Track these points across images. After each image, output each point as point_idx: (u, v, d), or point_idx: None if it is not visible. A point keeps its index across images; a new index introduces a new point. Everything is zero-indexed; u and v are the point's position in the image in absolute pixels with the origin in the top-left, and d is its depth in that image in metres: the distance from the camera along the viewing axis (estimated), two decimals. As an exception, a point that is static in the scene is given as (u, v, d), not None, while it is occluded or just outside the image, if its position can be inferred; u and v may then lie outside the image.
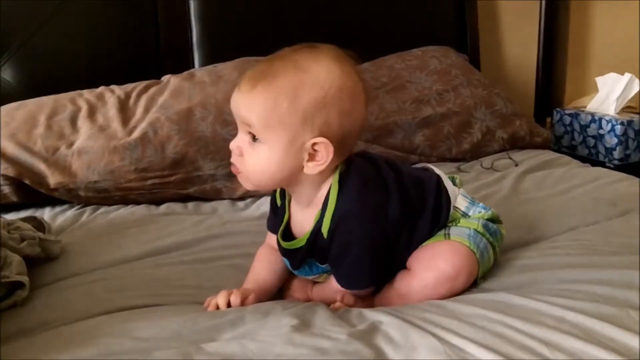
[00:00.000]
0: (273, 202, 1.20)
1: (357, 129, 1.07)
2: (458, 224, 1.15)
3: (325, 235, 1.06)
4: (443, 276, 1.07)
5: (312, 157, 1.03)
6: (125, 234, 1.50)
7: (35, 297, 1.15)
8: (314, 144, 1.01)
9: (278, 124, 1.00)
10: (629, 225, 1.36)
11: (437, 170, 1.22)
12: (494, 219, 1.18)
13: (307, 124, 1.01)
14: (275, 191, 1.19)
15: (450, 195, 1.17)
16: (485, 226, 1.14)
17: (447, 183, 1.19)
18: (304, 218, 1.11)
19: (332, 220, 1.05)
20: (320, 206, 1.07)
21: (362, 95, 1.06)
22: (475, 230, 1.12)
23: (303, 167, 1.04)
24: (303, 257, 1.12)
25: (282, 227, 1.15)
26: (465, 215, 1.17)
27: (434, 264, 1.08)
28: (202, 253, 1.37)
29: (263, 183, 1.08)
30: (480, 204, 1.20)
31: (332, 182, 1.06)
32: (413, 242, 1.13)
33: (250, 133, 1.03)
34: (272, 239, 1.20)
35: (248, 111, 1.01)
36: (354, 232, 1.05)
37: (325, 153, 1.02)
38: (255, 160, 1.04)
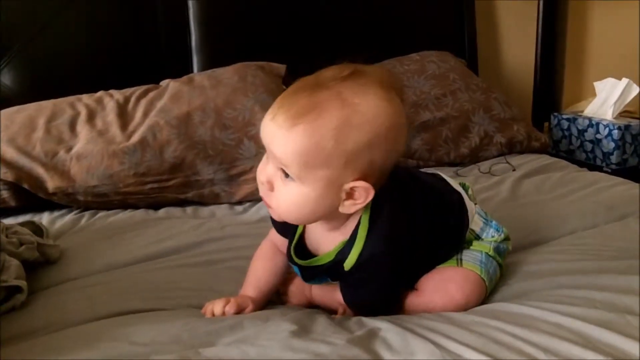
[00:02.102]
0: None
1: (398, 159, 1.01)
2: (470, 247, 1.14)
3: (346, 269, 1.02)
4: (452, 302, 1.06)
5: (349, 197, 0.96)
6: (123, 238, 1.49)
7: (34, 302, 1.15)
8: (353, 187, 0.94)
9: (319, 165, 0.92)
10: (627, 230, 1.36)
11: (455, 185, 1.19)
12: (504, 239, 1.18)
13: (349, 165, 0.92)
14: None
15: (469, 214, 1.15)
16: (496, 249, 1.14)
17: (467, 201, 1.17)
18: (323, 238, 1.06)
19: (358, 259, 1.00)
20: (344, 235, 1.02)
21: (406, 128, 0.99)
22: (487, 254, 1.12)
23: (338, 205, 0.97)
24: (316, 274, 1.08)
25: (295, 241, 1.09)
26: (478, 237, 1.16)
27: (446, 290, 1.07)
28: (201, 256, 1.37)
29: (294, 220, 1.01)
30: (493, 223, 1.18)
31: (362, 216, 1.00)
32: (427, 265, 1.12)
33: (282, 169, 0.94)
34: (276, 236, 1.16)
35: (285, 150, 0.92)
36: (378, 273, 1.03)
37: (365, 195, 0.95)
38: (288, 198, 0.95)
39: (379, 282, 1.04)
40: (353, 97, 0.92)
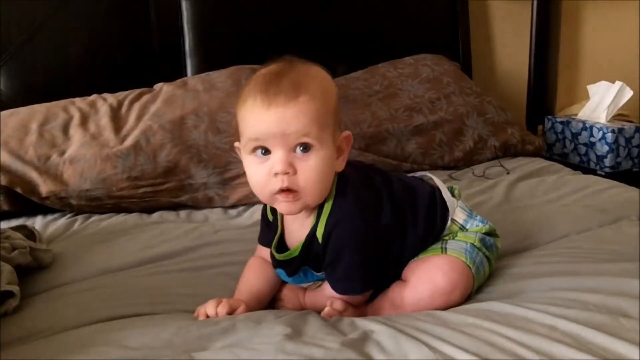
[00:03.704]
0: (265, 218, 1.20)
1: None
2: (455, 238, 1.15)
3: (320, 239, 1.07)
4: (439, 290, 1.07)
5: (339, 153, 1.07)
6: (116, 242, 1.49)
7: (26, 307, 1.15)
8: (345, 137, 1.08)
9: (327, 124, 1.03)
10: (620, 233, 1.37)
11: (437, 181, 1.22)
12: (491, 233, 1.19)
13: (334, 122, 1.06)
14: (265, 207, 1.18)
15: (449, 206, 1.17)
16: (482, 240, 1.15)
17: (446, 194, 1.19)
18: (300, 228, 1.11)
19: (326, 224, 1.06)
20: (315, 213, 1.08)
21: None
22: (472, 244, 1.13)
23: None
24: (298, 265, 1.12)
25: (275, 240, 1.14)
26: (463, 228, 1.17)
27: (430, 277, 1.08)
28: (195, 261, 1.36)
29: (320, 192, 1.05)
30: (478, 217, 1.20)
31: (329, 191, 1.07)
32: (405, 252, 1.13)
33: (300, 144, 1.00)
34: (262, 251, 1.20)
35: (303, 119, 0.99)
36: (347, 236, 1.05)
37: (347, 145, 1.09)
38: (315, 168, 1.01)
39: (353, 248, 1.06)
40: (313, 69, 1.07)
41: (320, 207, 1.07)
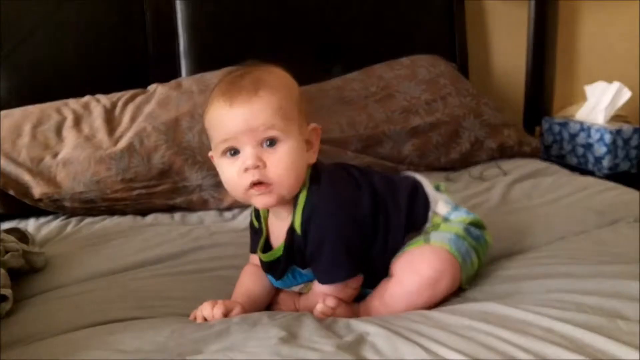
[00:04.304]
0: (252, 226, 1.22)
1: None
2: (439, 229, 1.15)
3: (299, 231, 1.08)
4: (425, 281, 1.07)
5: (309, 147, 1.10)
6: (110, 245, 1.49)
7: (19, 310, 1.15)
8: (312, 130, 1.11)
9: (291, 116, 1.05)
10: (618, 235, 1.36)
11: (419, 177, 1.23)
12: (476, 224, 1.18)
13: (301, 114, 1.09)
14: (251, 215, 1.21)
15: (430, 199, 1.18)
16: (466, 230, 1.14)
17: (428, 188, 1.20)
18: (281, 228, 1.12)
19: (302, 214, 1.07)
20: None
21: None
22: (455, 234, 1.12)
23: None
24: (284, 265, 1.13)
25: (261, 244, 1.16)
26: (446, 220, 1.17)
27: (415, 268, 1.08)
28: (189, 265, 1.36)
29: (293, 183, 1.07)
30: (464, 209, 1.19)
31: (303, 184, 1.10)
32: (389, 244, 1.13)
33: (267, 139, 1.04)
34: (255, 259, 1.21)
35: (266, 112, 1.03)
36: (325, 224, 1.07)
37: (316, 138, 1.12)
38: (282, 159, 1.04)
39: (332, 236, 1.07)
40: (272, 68, 1.10)
41: (295, 199, 1.09)
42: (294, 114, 1.07)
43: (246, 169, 1.04)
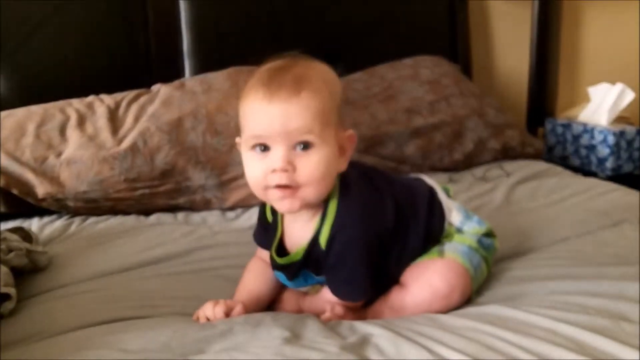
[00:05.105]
0: (262, 218, 1.18)
1: None
2: (452, 240, 1.14)
3: (322, 246, 1.05)
4: (437, 294, 1.06)
5: (341, 153, 1.05)
6: (114, 244, 1.49)
7: (23, 309, 1.15)
8: (349, 137, 1.06)
9: (329, 121, 1.01)
10: (621, 236, 1.36)
11: (430, 182, 1.21)
12: (488, 233, 1.18)
13: (339, 119, 1.04)
14: (264, 206, 1.17)
15: (445, 209, 1.17)
16: (479, 242, 1.14)
17: (441, 196, 1.18)
18: (300, 230, 1.09)
19: (331, 230, 1.04)
20: (318, 217, 1.06)
21: None
22: (469, 246, 1.12)
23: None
24: (298, 269, 1.10)
25: (275, 244, 1.13)
26: (459, 230, 1.16)
27: (428, 281, 1.07)
28: (192, 264, 1.36)
29: (321, 190, 1.02)
30: (475, 218, 1.19)
31: (331, 196, 1.05)
32: (404, 255, 1.12)
33: (301, 142, 0.99)
34: (262, 253, 1.19)
35: (305, 116, 0.98)
36: (352, 242, 1.04)
37: (351, 145, 1.07)
38: (314, 165, 0.99)
39: (356, 254, 1.05)
40: (316, 64, 1.06)
41: (323, 212, 1.05)
42: (333, 119, 1.02)
43: (274, 170, 0.99)
